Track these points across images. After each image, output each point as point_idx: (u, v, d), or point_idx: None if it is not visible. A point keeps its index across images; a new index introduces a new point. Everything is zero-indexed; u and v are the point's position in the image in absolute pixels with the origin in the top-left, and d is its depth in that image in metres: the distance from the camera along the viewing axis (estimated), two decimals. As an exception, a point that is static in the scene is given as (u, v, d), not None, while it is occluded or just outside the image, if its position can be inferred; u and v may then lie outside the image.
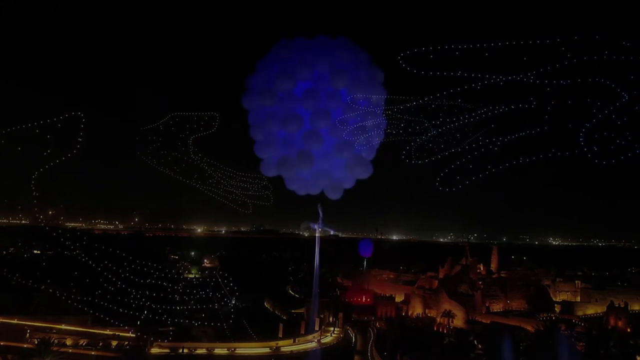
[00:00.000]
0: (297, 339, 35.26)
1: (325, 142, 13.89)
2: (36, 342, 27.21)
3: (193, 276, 66.71)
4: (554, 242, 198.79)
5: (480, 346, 35.12)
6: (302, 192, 14.85)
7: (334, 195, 14.39)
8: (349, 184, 14.67)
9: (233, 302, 41.23)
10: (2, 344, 27.86)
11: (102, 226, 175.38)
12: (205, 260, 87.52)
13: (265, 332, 36.12)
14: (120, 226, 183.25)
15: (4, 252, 68.75)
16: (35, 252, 71.72)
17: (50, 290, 31.90)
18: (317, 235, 17.04)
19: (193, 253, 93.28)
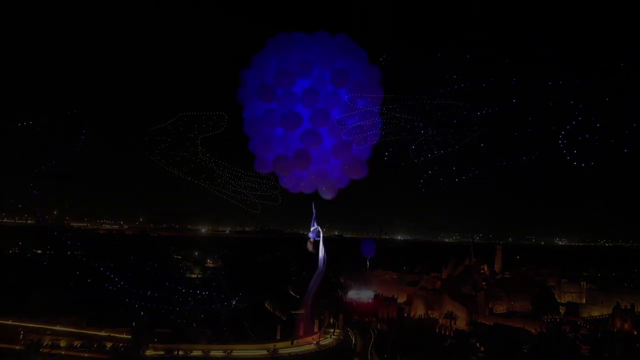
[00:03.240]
0: (294, 341, 34.93)
1: (323, 142, 13.43)
2: (26, 344, 27.03)
3: (195, 276, 66.63)
4: (560, 242, 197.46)
5: (482, 348, 34.69)
6: (295, 191, 14.43)
7: (328, 195, 13.97)
8: (343, 184, 14.23)
9: (233, 302, 40.99)
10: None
11: (107, 226, 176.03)
12: (209, 260, 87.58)
13: (264, 334, 35.83)
14: (125, 226, 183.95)
15: (9, 252, 69.03)
16: (38, 252, 71.98)
17: (46, 291, 31.73)
18: (312, 238, 16.48)
19: (197, 253, 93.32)
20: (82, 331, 30.98)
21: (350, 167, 12.71)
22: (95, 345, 30.34)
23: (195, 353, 31.81)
